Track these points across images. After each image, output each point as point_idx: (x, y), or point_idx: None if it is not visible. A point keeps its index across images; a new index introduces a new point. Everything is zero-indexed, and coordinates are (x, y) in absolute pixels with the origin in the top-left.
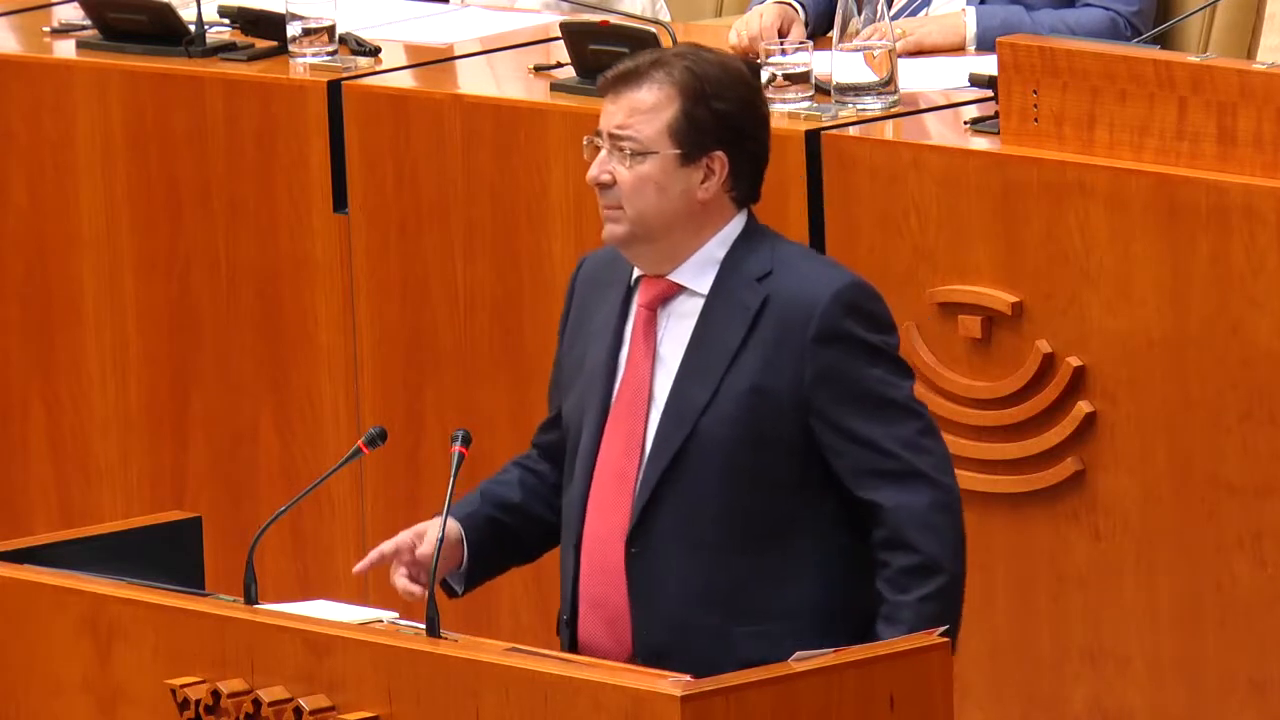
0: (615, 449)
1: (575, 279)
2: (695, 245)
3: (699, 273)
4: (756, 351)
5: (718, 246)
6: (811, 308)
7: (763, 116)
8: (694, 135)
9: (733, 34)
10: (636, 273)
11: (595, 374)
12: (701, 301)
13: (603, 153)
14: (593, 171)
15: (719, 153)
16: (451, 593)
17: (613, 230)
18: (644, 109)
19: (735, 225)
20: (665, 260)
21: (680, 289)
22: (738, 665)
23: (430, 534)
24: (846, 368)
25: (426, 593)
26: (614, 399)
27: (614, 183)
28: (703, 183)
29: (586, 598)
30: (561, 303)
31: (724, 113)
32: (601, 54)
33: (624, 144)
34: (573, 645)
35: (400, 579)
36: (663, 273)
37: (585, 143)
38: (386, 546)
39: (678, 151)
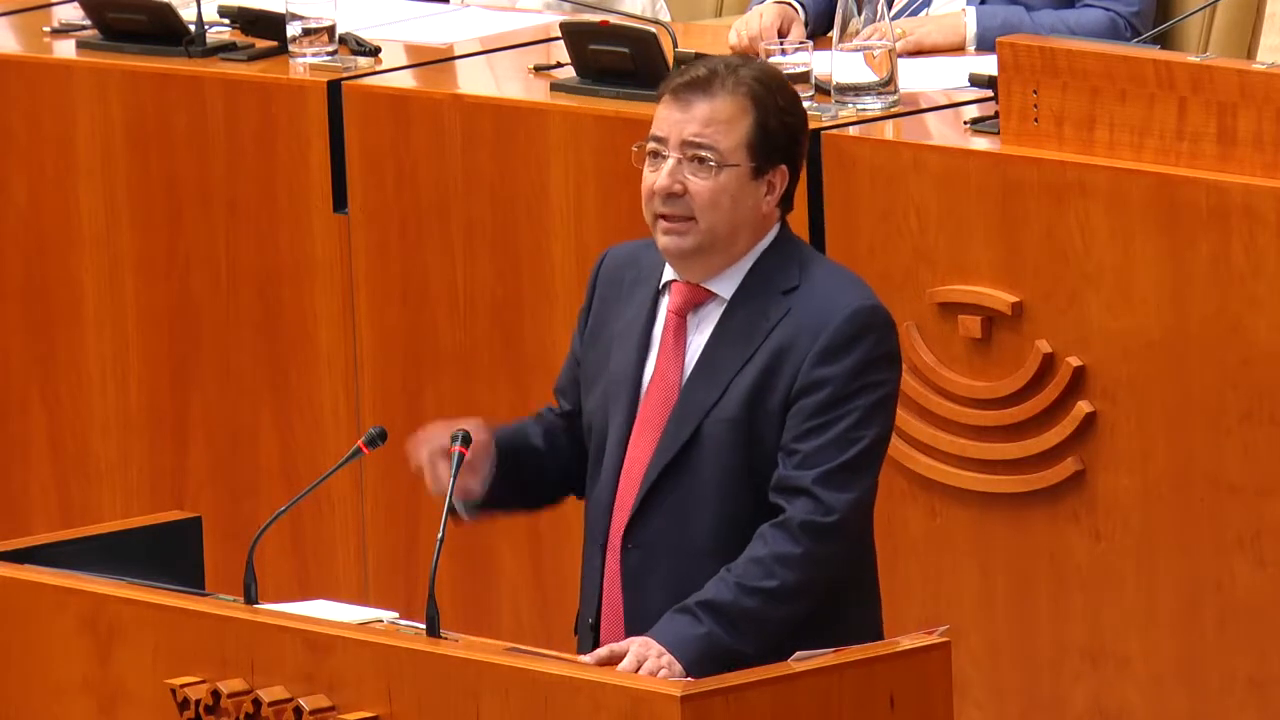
0: (641, 454)
1: (598, 272)
2: (741, 254)
3: (729, 280)
4: (765, 359)
5: (749, 256)
6: (825, 323)
7: (808, 130)
8: (765, 149)
9: (733, 34)
10: (666, 276)
11: (622, 378)
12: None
13: (670, 161)
14: (663, 181)
15: (782, 166)
16: (459, 517)
17: (679, 242)
18: (722, 119)
19: (771, 234)
20: (714, 270)
21: (711, 295)
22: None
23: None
24: (830, 387)
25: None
26: (641, 403)
27: (685, 193)
28: (766, 195)
29: (608, 601)
30: (562, 301)
31: (791, 126)
32: (601, 54)
33: (704, 153)
34: (595, 649)
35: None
36: (702, 280)
37: (637, 148)
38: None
39: (752, 165)
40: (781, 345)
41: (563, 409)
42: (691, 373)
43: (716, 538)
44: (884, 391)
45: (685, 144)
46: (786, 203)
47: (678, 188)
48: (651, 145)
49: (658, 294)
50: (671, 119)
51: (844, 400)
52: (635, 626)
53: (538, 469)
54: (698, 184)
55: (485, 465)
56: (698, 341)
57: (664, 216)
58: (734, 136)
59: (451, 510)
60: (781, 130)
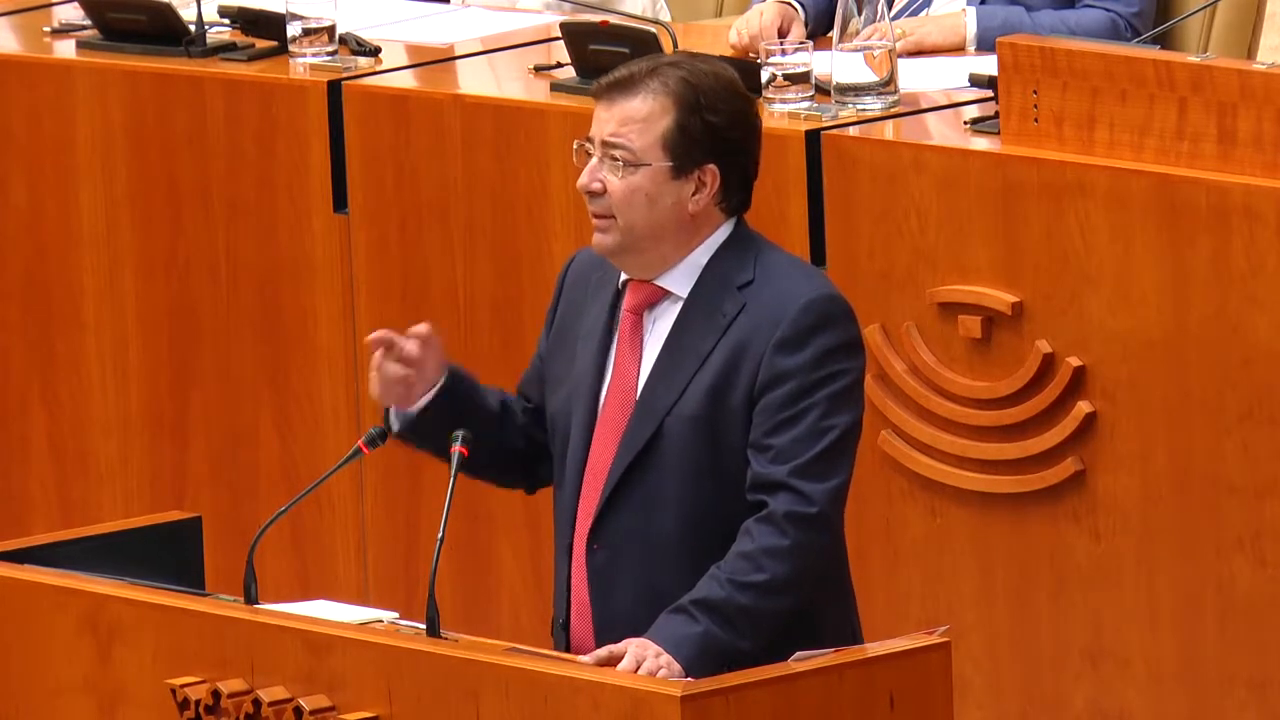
0: (603, 454)
1: (566, 273)
2: (683, 254)
3: (685, 278)
4: (724, 354)
5: (703, 253)
6: (781, 315)
7: (755, 129)
8: (686, 147)
9: (733, 33)
10: (624, 275)
11: (583, 377)
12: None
13: (593, 160)
14: (583, 179)
15: (711, 165)
16: (386, 431)
17: (601, 240)
18: (638, 119)
19: (723, 232)
20: (652, 267)
21: (666, 293)
22: None
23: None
24: (794, 379)
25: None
26: (602, 403)
27: (604, 191)
28: (694, 195)
29: (576, 602)
30: None
31: (717, 125)
32: (601, 54)
33: (616, 153)
34: (567, 649)
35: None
36: (650, 278)
37: (576, 147)
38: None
39: (670, 164)
40: (740, 340)
41: (524, 406)
42: (651, 371)
43: (681, 535)
44: (849, 379)
45: (604, 143)
46: (736, 203)
47: (596, 185)
48: (587, 145)
49: (618, 294)
50: (597, 118)
51: (809, 391)
52: (604, 626)
53: (480, 423)
54: (613, 182)
55: (432, 375)
56: (655, 340)
57: (592, 214)
58: (649, 136)
59: (386, 420)
60: (705, 130)
